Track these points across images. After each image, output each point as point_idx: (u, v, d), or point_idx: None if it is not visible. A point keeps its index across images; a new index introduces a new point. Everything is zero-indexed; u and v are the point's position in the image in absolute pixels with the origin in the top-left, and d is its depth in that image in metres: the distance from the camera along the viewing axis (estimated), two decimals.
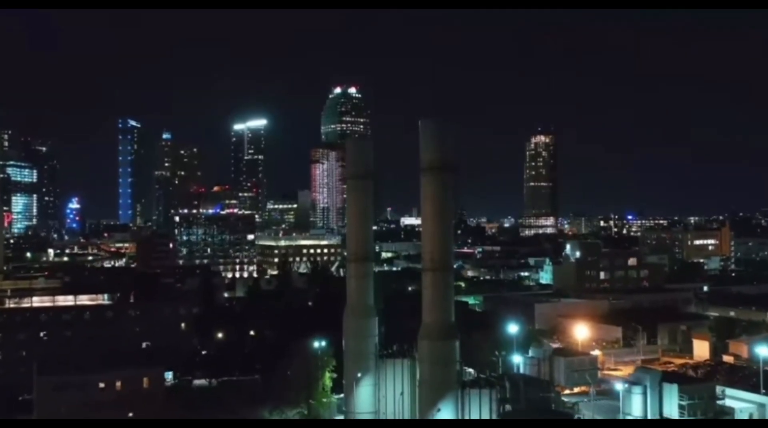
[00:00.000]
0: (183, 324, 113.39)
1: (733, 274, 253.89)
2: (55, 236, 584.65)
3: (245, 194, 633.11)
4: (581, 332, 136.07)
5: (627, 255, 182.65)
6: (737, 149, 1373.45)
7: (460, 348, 66.23)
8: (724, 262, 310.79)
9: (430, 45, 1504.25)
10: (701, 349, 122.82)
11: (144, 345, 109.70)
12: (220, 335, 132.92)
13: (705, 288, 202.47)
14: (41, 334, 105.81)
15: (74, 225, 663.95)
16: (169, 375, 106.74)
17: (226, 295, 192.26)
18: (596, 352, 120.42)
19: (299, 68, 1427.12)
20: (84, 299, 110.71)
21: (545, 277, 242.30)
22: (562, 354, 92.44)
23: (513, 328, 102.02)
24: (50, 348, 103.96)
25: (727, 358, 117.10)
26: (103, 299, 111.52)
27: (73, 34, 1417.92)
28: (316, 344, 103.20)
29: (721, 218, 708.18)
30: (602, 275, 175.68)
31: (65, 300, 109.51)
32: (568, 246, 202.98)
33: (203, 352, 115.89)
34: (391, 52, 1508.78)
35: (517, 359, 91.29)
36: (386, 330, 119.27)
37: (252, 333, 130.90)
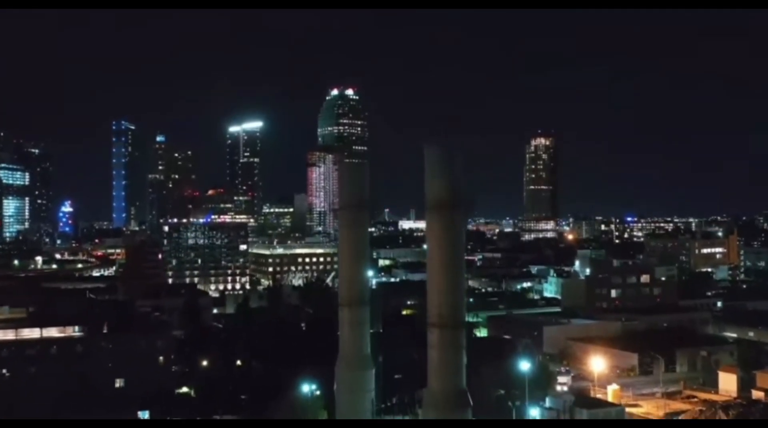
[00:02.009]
0: (161, 357, 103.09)
1: (744, 286, 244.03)
2: (47, 240, 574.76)
3: (240, 198, 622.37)
4: (594, 359, 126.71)
5: (639, 271, 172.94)
6: (736, 149, 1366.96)
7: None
8: (732, 271, 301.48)
9: (429, 46, 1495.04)
10: (728, 383, 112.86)
11: (118, 382, 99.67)
12: (204, 362, 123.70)
13: (719, 304, 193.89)
14: (3, 371, 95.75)
15: (67, 229, 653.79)
16: (145, 415, 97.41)
17: (215, 311, 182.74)
18: (614, 386, 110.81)
19: (296, 69, 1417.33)
20: (52, 331, 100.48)
21: (549, 289, 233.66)
22: (585, 404, 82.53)
23: (525, 365, 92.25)
24: (13, 386, 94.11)
25: (757, 394, 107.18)
26: (73, 330, 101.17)
27: (68, 34, 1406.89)
28: (305, 387, 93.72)
29: (719, 219, 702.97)
30: (613, 292, 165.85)
31: (30, 333, 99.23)
32: (577, 262, 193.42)
33: (183, 388, 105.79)
34: (389, 54, 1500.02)
35: (533, 411, 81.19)
36: (384, 361, 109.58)
37: (239, 362, 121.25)
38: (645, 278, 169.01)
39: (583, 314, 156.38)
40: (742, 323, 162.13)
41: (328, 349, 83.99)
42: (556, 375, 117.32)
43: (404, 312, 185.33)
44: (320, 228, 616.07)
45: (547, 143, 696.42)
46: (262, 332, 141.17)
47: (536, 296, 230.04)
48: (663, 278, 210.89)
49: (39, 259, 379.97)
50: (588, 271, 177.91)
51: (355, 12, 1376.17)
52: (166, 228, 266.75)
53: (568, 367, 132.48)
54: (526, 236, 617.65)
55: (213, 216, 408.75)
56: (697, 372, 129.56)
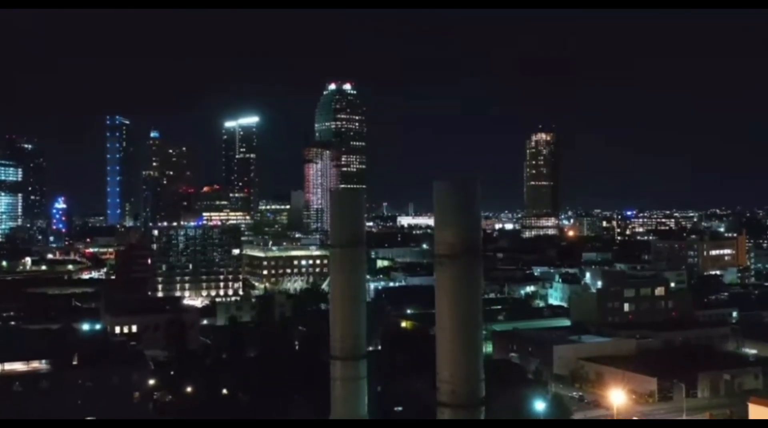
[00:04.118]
0: (137, 393, 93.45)
1: (756, 292, 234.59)
2: (40, 237, 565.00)
3: (236, 195, 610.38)
4: (610, 383, 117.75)
5: (653, 283, 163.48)
6: (736, 142, 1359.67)
7: None
8: (741, 274, 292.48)
9: (428, 41, 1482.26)
10: (760, 417, 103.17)
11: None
12: (189, 389, 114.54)
13: (734, 314, 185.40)
14: None
15: (60, 225, 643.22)
16: None
17: (205, 322, 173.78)
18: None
19: (293, 64, 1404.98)
20: (16, 365, 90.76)
21: (554, 295, 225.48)
22: None
23: (540, 405, 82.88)
24: None
25: None
26: (40, 363, 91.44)
27: (61, 28, 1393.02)
28: None
29: (719, 211, 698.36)
30: (626, 306, 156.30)
31: None
32: (588, 274, 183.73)
33: None
34: (388, 50, 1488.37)
35: None
36: (383, 392, 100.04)
37: (225, 390, 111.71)
38: (659, 290, 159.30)
39: (594, 330, 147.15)
40: (761, 338, 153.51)
41: (321, 375, 75.30)
42: (571, 406, 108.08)
43: (404, 324, 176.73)
44: (317, 225, 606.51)
45: (548, 138, 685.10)
46: (251, 355, 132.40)
47: (540, 303, 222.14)
48: (673, 285, 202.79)
49: (28, 260, 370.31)
50: (599, 283, 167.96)
51: (353, 10, 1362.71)
52: (156, 232, 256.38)
53: (581, 392, 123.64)
54: (527, 233, 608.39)
55: (205, 219, 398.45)
56: (721, 397, 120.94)
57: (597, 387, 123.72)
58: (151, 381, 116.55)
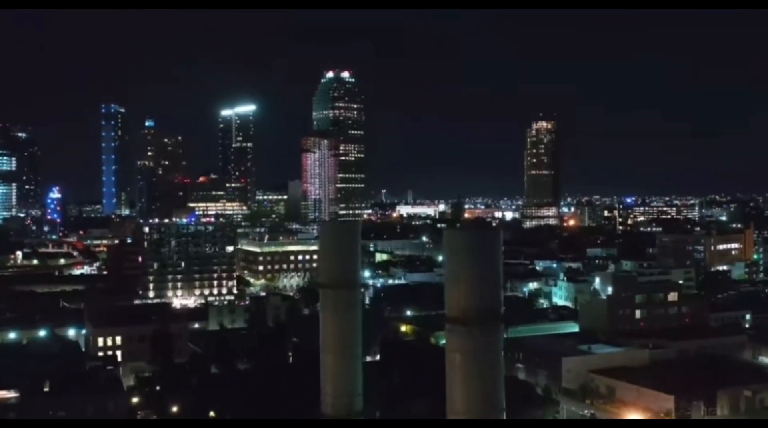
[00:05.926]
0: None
1: (767, 290, 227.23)
2: (34, 228, 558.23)
3: (233, 185, 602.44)
4: (623, 399, 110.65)
5: (666, 289, 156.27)
6: (735, 132, 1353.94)
7: None
8: (749, 268, 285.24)
9: (428, 31, 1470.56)
10: None
11: None
12: (175, 408, 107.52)
13: (747, 316, 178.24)
14: None
15: (55, 215, 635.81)
16: None
17: (196, 325, 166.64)
18: None
19: (290, 52, 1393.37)
20: None
21: (559, 294, 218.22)
22: None
23: None
24: None
25: None
26: (7, 392, 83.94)
27: (56, 18, 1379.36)
28: None
29: (718, 198, 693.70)
30: (638, 313, 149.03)
31: None
32: (597, 279, 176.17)
33: None
34: (388, 40, 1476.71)
35: None
36: (381, 416, 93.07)
37: (212, 413, 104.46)
38: (672, 295, 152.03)
39: (605, 339, 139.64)
40: None
41: (315, 391, 68.59)
42: None
43: (404, 329, 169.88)
44: (315, 215, 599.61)
45: (549, 126, 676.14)
46: (242, 368, 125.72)
47: (544, 302, 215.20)
48: (681, 282, 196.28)
49: (19, 254, 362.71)
50: (609, 289, 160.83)
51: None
52: (147, 229, 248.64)
53: (593, 410, 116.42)
54: (528, 223, 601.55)
55: (199, 213, 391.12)
56: (741, 414, 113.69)
57: (609, 403, 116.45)
58: (135, 399, 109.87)
